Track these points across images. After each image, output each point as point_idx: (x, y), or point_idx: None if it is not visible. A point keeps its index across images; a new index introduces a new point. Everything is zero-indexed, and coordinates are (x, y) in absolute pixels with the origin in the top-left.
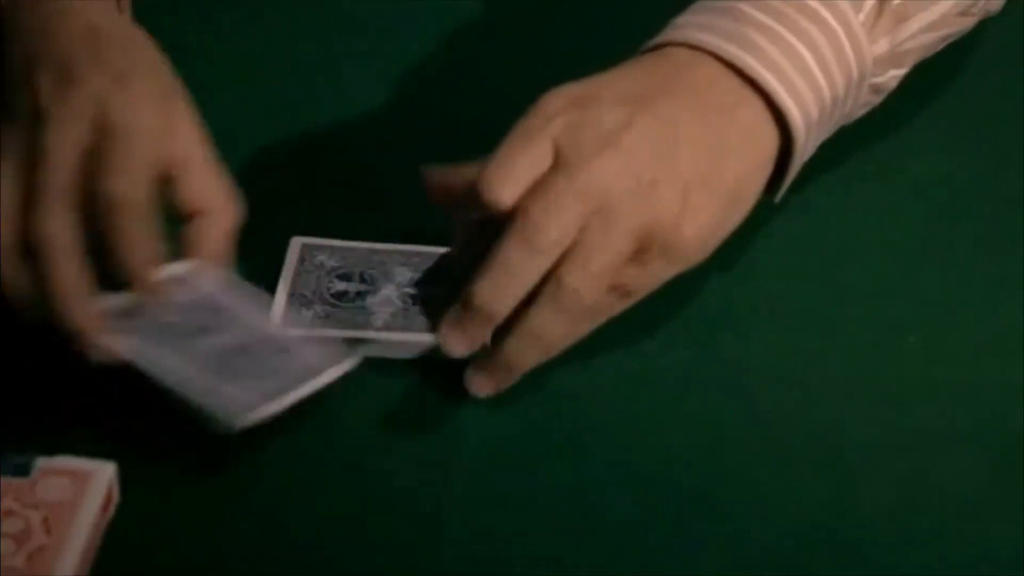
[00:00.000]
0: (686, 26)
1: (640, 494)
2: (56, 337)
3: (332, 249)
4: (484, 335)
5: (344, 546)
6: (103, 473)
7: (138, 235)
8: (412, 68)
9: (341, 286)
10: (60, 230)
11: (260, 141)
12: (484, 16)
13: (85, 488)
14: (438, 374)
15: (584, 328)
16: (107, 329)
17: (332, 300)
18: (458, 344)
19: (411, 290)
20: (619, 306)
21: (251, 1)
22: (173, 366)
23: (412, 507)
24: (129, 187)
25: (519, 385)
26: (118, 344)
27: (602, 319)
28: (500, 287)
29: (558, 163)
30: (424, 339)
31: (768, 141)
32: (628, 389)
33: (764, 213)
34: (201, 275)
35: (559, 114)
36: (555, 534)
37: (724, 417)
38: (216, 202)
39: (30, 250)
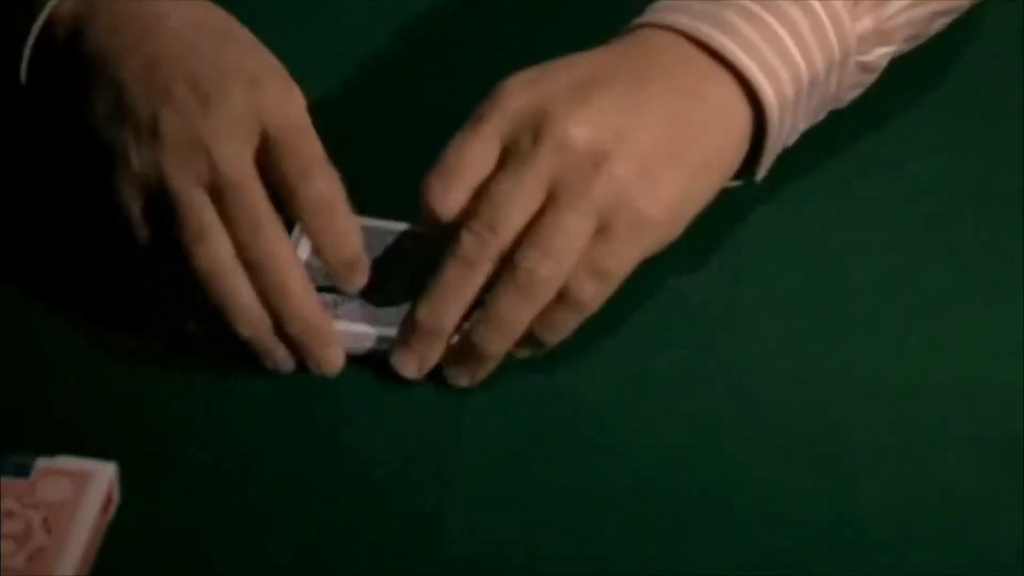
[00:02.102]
0: (661, 9)
1: (640, 494)
2: (58, 335)
3: None
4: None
5: (344, 546)
6: (103, 473)
7: (347, 229)
8: (412, 66)
9: None
10: (282, 245)
11: None
12: (485, 15)
13: (85, 488)
14: (438, 373)
15: (573, 319)
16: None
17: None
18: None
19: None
20: (603, 290)
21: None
22: (379, 334)
23: (412, 507)
24: (326, 185)
25: (519, 384)
26: (345, 328)
27: (593, 307)
28: (444, 305)
29: (506, 156)
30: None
31: (740, 119)
32: (628, 389)
33: (764, 212)
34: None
35: (510, 96)
36: (555, 534)
37: (724, 417)
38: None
39: (248, 267)
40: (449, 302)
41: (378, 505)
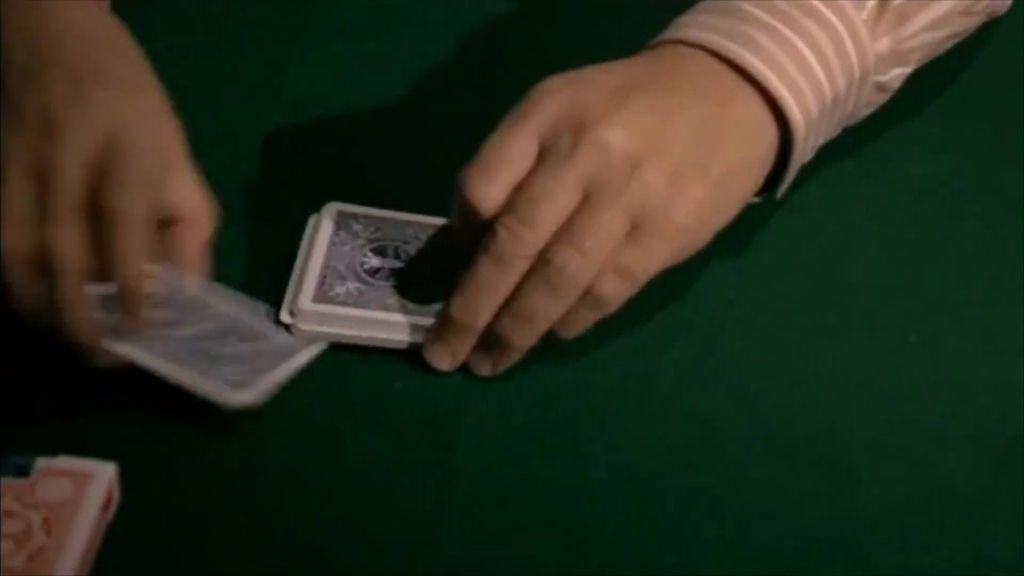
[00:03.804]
0: (686, 25)
1: (640, 494)
2: (56, 339)
3: (368, 219)
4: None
5: (344, 546)
6: (103, 473)
7: (134, 250)
8: (421, 66)
9: (375, 262)
10: (72, 249)
11: (261, 135)
12: (495, 15)
13: (85, 488)
14: (438, 373)
15: (591, 316)
16: (105, 338)
17: (366, 277)
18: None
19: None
20: (624, 289)
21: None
22: (160, 360)
23: (412, 507)
24: (131, 203)
25: (519, 384)
26: (112, 348)
27: (613, 306)
28: (477, 301)
29: (544, 155)
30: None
31: (766, 134)
32: (628, 388)
33: (765, 212)
34: (175, 275)
35: (549, 97)
36: (555, 534)
37: (724, 416)
38: (194, 210)
39: (40, 262)
40: (483, 298)
41: (378, 505)
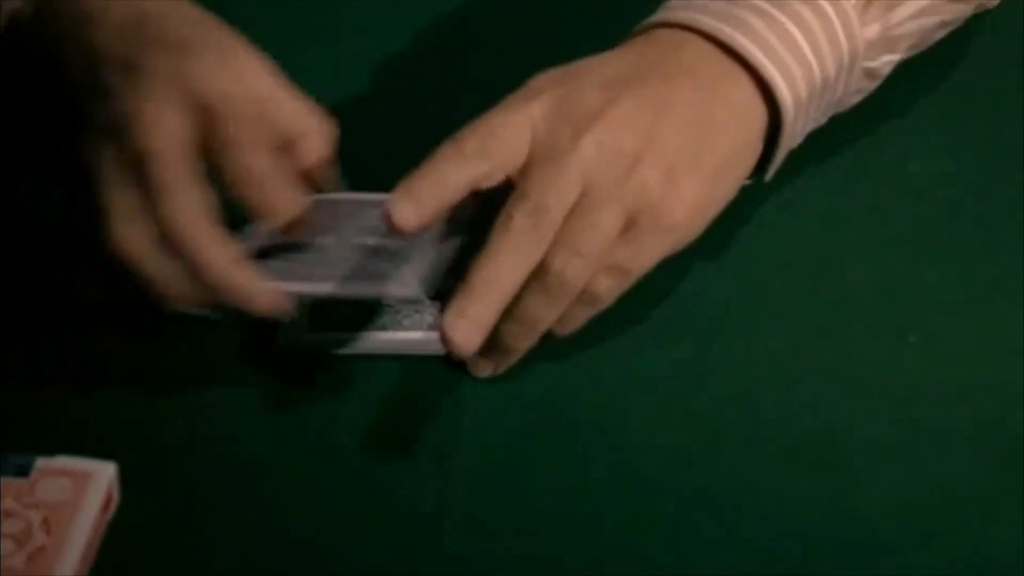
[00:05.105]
0: (677, 8)
1: (640, 494)
2: (57, 335)
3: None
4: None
5: (344, 546)
6: (103, 473)
7: (280, 197)
8: (421, 66)
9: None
10: (195, 219)
11: None
12: (496, 15)
13: (85, 488)
14: (438, 374)
15: (586, 312)
16: (265, 284)
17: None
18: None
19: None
20: (618, 286)
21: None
22: (325, 285)
23: (412, 507)
24: (253, 158)
25: (519, 384)
26: (277, 288)
27: (606, 302)
28: (501, 274)
29: (541, 149)
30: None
31: (756, 118)
32: (628, 389)
33: (764, 212)
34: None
35: (544, 91)
36: (555, 534)
37: (724, 417)
38: (307, 126)
39: (168, 246)
40: (504, 274)
41: (378, 505)
